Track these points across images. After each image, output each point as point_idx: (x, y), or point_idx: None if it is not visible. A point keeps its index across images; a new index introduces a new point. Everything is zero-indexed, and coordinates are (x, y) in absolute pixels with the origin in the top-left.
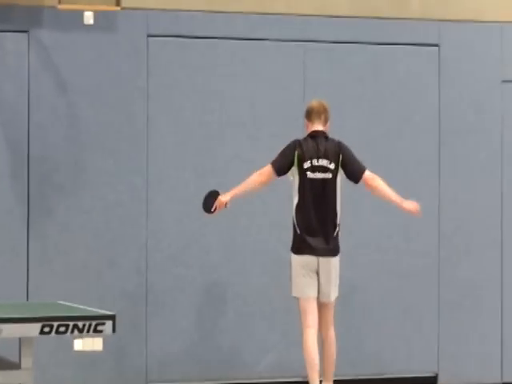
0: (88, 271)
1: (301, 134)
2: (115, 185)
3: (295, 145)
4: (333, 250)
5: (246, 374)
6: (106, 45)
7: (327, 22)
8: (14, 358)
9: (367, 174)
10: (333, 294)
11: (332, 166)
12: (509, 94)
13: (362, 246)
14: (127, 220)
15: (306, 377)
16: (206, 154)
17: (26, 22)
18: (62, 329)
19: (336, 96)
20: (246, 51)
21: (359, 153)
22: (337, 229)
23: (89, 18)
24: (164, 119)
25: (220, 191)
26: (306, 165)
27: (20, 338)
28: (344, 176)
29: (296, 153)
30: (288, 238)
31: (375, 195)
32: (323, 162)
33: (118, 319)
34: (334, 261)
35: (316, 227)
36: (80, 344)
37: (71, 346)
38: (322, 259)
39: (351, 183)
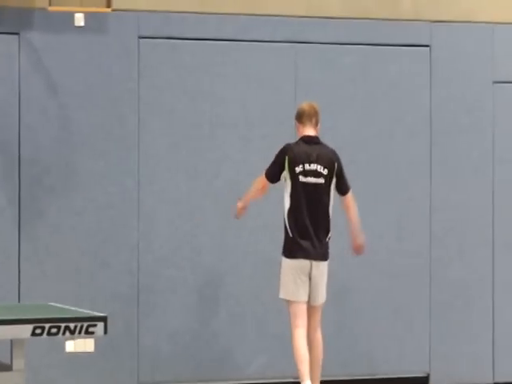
0: (79, 272)
1: (292, 135)
2: (106, 186)
3: (286, 150)
4: (325, 255)
5: (237, 374)
6: (96, 46)
7: (318, 23)
8: (5, 360)
9: (350, 193)
10: (323, 297)
11: (325, 172)
12: (500, 94)
13: None
14: (119, 221)
15: (297, 377)
16: (198, 155)
17: (16, 23)
18: (54, 330)
19: (327, 97)
20: (238, 52)
21: (351, 154)
22: (329, 234)
23: (79, 19)
24: (155, 120)
25: (211, 192)
26: (298, 169)
27: (11, 340)
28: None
29: (287, 157)
30: (280, 239)
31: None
32: (315, 167)
33: (109, 320)
34: (325, 265)
35: (309, 231)
36: (72, 345)
37: (63, 347)
38: (315, 263)
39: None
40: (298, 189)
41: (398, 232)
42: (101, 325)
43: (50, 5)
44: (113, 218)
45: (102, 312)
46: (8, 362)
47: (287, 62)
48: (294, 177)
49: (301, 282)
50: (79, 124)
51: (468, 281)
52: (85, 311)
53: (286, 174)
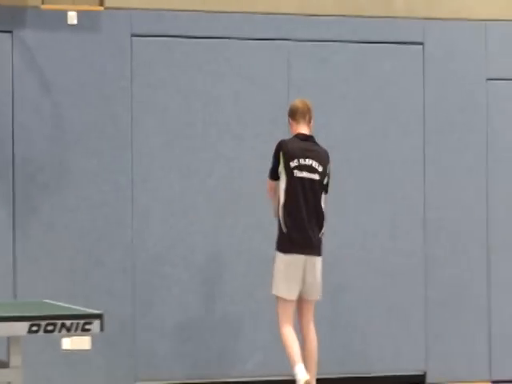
0: (74, 271)
1: (285, 133)
2: (100, 184)
3: (281, 145)
4: (319, 250)
5: (233, 372)
6: (89, 45)
7: (311, 21)
8: (2, 357)
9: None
10: (319, 292)
11: (320, 169)
12: (493, 91)
13: (347, 246)
14: (112, 219)
15: (292, 375)
16: (191, 153)
17: (9, 22)
18: (50, 328)
19: (320, 95)
20: (230, 50)
21: (344, 152)
22: (322, 230)
23: (72, 17)
24: (148, 119)
25: (204, 191)
26: (293, 164)
27: (8, 337)
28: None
29: (281, 152)
30: (274, 236)
31: None
32: (311, 162)
33: (105, 318)
34: (319, 260)
35: (303, 226)
36: (68, 343)
37: (59, 344)
38: (310, 258)
39: (335, 183)
40: (293, 184)
41: (391, 230)
42: (97, 322)
43: (42, 3)
44: (107, 216)
45: (96, 310)
46: (5, 358)
47: (280, 60)
48: (288, 171)
49: (293, 279)
50: (72, 122)
51: (463, 278)
52: (81, 308)
53: (281, 169)
